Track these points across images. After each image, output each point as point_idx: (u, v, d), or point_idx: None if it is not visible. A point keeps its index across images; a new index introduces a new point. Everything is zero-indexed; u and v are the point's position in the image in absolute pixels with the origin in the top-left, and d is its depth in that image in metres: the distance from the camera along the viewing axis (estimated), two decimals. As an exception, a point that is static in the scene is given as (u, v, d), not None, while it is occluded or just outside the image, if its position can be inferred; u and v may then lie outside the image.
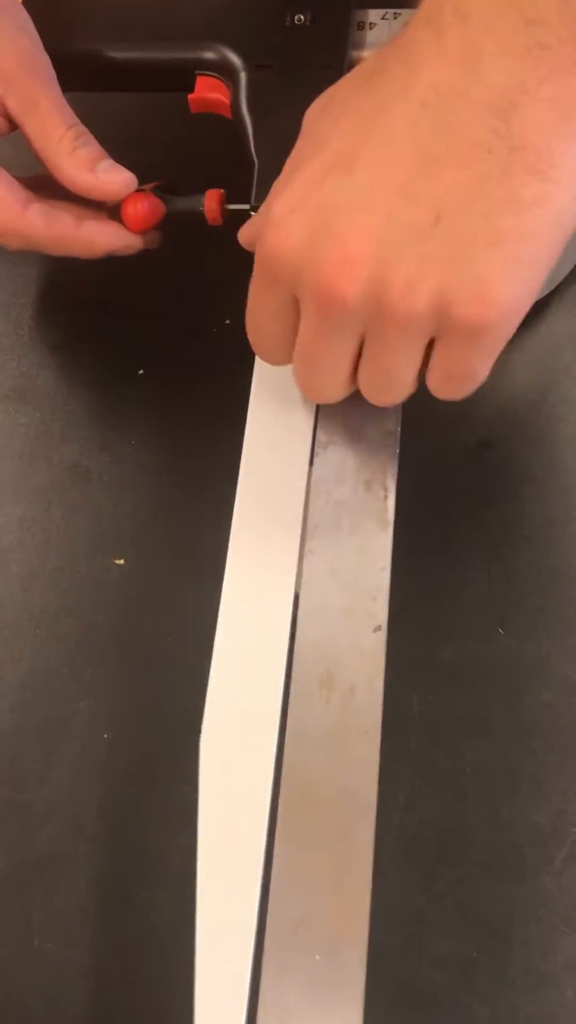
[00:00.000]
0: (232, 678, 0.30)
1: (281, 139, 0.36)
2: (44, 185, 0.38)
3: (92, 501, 0.40)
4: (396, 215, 0.26)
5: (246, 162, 0.39)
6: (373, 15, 0.40)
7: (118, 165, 0.37)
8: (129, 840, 0.34)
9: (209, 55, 0.39)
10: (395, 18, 0.40)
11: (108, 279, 0.43)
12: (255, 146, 0.37)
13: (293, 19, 0.39)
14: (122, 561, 0.39)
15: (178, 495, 0.40)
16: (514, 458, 0.40)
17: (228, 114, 0.40)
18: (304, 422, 0.34)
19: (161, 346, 0.43)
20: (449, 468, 0.40)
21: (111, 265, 0.39)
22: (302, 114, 0.38)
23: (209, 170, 0.43)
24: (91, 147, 0.37)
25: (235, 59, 0.39)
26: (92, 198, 0.37)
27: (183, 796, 0.29)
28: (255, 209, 0.37)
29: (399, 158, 0.26)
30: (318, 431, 0.34)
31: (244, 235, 0.34)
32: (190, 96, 0.40)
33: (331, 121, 0.29)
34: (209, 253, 0.40)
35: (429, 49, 0.26)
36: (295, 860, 0.28)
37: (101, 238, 0.37)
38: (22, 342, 0.44)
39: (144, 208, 0.37)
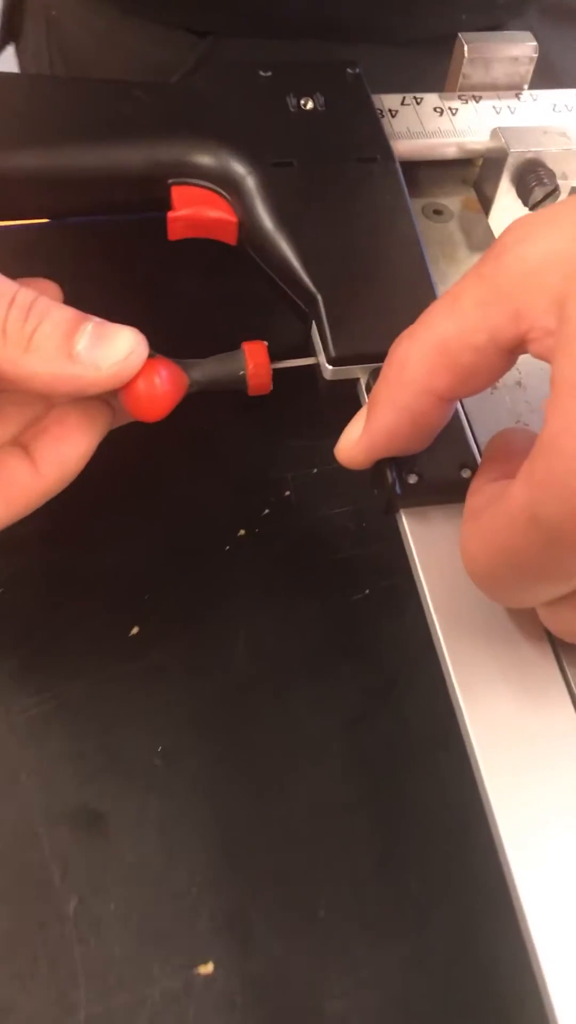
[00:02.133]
0: None
1: (342, 262, 0.25)
2: None
3: (120, 870, 0.24)
4: None
5: (262, 298, 0.27)
6: (389, 101, 0.30)
7: (106, 324, 0.22)
8: None
9: (198, 157, 0.26)
10: (418, 103, 0.30)
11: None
12: (308, 274, 0.24)
13: (299, 104, 0.28)
14: (209, 968, 0.23)
15: (241, 813, 0.25)
16: None
17: (229, 237, 0.27)
18: (543, 660, 0.21)
19: (153, 585, 0.28)
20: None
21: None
22: (357, 222, 0.27)
23: (190, 321, 0.30)
24: (57, 315, 0.22)
25: (237, 158, 0.26)
26: (88, 395, 0.23)
27: None
28: (337, 362, 0.24)
29: None
30: (565, 668, 0.21)
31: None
32: (171, 215, 0.26)
33: None
34: (194, 434, 0.28)
35: None
36: None
37: (72, 461, 0.23)
38: None
39: (165, 384, 0.23)
